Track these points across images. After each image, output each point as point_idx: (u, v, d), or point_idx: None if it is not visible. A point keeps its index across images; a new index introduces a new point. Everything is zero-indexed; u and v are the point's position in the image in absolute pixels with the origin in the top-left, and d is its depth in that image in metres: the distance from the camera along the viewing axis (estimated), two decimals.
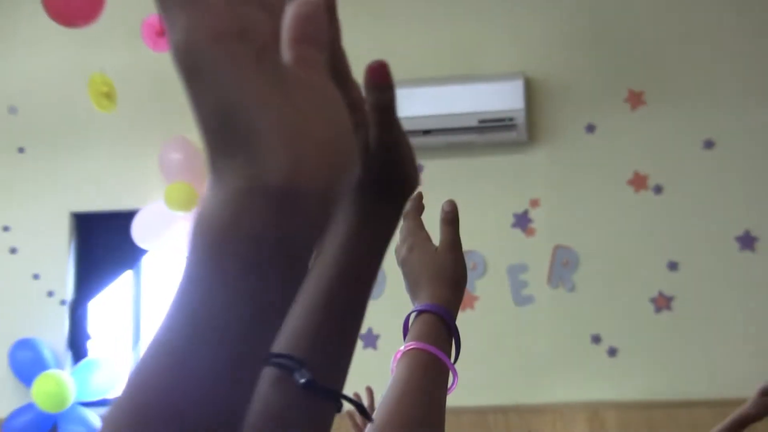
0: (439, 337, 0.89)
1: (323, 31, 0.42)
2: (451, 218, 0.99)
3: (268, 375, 0.59)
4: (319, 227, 0.38)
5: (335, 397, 0.60)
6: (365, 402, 1.99)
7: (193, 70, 0.37)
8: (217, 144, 0.37)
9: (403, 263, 0.99)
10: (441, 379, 0.87)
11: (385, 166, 0.64)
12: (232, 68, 0.37)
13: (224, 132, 0.37)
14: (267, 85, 0.37)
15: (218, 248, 0.36)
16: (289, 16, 0.41)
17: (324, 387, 0.58)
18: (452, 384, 0.91)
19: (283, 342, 0.60)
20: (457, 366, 2.44)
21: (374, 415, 0.83)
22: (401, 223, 0.98)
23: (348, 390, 2.07)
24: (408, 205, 1.00)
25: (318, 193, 0.37)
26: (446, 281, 0.96)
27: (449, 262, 0.97)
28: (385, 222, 0.65)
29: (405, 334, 0.92)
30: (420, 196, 1.02)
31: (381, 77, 0.59)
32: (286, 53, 0.40)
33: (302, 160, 0.36)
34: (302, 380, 0.56)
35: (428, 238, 1.00)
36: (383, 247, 0.64)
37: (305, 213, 0.37)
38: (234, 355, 0.36)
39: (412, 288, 0.97)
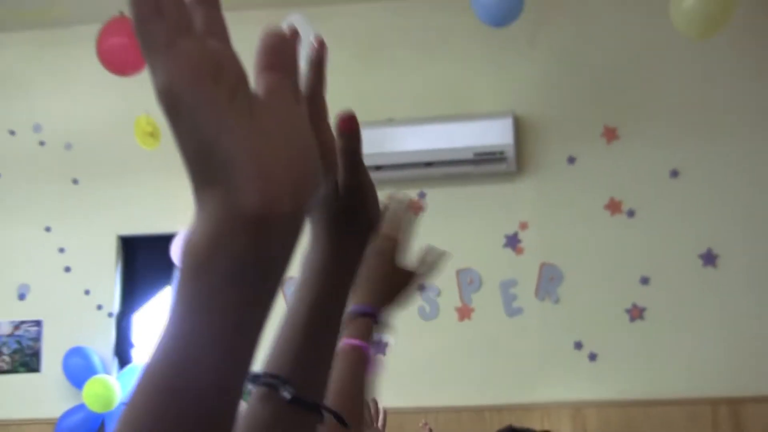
0: (368, 333, 0.93)
1: (288, 59, 0.43)
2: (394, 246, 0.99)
3: (257, 393, 0.61)
4: (291, 243, 0.39)
5: (317, 408, 0.61)
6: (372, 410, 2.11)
7: (175, 110, 0.38)
8: (199, 175, 0.39)
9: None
10: (365, 367, 0.91)
11: (351, 204, 0.65)
12: (208, 108, 0.38)
13: (204, 165, 0.38)
14: (239, 119, 0.38)
15: (204, 268, 0.38)
16: (256, 47, 0.43)
17: (306, 400, 0.60)
18: (376, 367, 0.94)
19: (269, 363, 0.61)
20: (456, 370, 2.84)
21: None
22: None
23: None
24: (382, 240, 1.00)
25: (288, 214, 0.38)
26: (386, 292, 0.98)
27: (399, 279, 0.99)
28: (353, 253, 0.66)
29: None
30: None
31: (349, 126, 0.61)
32: (256, 82, 0.42)
33: (273, 187, 0.38)
34: (287, 396, 0.58)
35: (392, 259, 0.99)
36: (351, 275, 0.65)
37: (278, 233, 0.38)
38: (225, 355, 0.38)
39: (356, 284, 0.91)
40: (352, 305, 0.94)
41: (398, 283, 1.00)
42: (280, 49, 0.43)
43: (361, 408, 0.90)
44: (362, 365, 0.90)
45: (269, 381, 0.59)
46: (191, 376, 0.37)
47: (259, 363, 0.46)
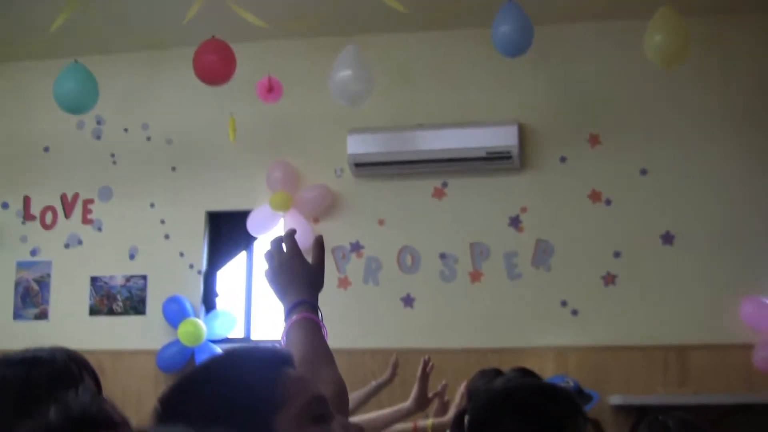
0: (314, 313, 1.23)
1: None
2: (320, 245, 1.30)
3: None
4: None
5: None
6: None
7: None
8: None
9: (282, 265, 1.25)
10: (320, 332, 1.22)
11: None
12: None
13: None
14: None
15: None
16: None
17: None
18: (325, 335, 1.23)
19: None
20: (468, 320, 4.16)
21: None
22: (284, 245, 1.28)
23: (390, 339, 4.45)
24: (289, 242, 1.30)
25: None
26: (315, 285, 1.26)
27: (317, 273, 1.26)
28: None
29: (287, 315, 1.21)
30: (289, 234, 1.31)
31: None
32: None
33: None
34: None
35: (304, 258, 1.27)
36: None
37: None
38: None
39: (288, 286, 1.24)
40: (296, 299, 1.22)
41: (312, 275, 1.26)
42: None
43: (327, 359, 1.18)
44: (318, 329, 1.21)
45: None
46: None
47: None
